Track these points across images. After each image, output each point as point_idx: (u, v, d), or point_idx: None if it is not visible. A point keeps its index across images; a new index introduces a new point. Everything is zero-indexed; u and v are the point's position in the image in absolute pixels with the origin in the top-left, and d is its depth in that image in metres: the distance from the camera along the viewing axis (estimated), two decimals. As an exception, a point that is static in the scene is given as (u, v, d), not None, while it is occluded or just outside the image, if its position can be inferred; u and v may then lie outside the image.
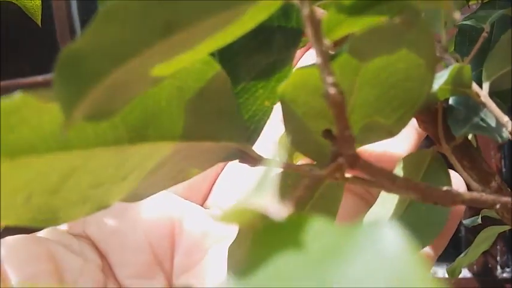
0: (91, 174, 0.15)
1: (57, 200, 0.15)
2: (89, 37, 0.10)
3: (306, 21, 0.13)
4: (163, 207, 0.27)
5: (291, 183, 0.20)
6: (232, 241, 0.21)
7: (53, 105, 0.11)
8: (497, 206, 0.20)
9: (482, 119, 0.21)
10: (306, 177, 0.14)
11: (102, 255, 0.26)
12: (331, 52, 0.14)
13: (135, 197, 0.18)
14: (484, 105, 0.20)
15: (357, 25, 0.14)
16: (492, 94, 0.23)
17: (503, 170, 0.98)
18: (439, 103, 0.21)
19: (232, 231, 0.27)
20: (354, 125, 0.18)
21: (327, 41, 0.14)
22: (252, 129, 0.20)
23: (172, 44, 0.12)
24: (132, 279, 0.25)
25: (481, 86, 0.21)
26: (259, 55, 0.18)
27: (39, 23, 0.34)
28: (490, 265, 1.00)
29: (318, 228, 0.09)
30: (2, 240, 0.24)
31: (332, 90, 0.14)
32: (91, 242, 0.26)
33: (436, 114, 0.21)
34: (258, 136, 0.20)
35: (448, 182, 0.22)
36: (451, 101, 0.21)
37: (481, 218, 0.50)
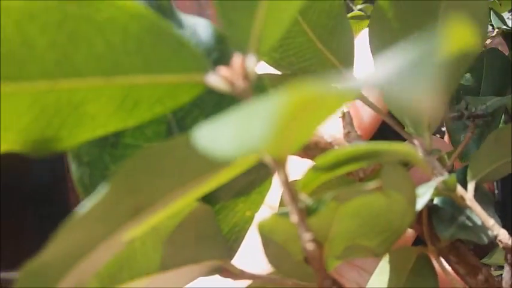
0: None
1: None
2: (50, 250, 0.10)
3: (281, 185, 0.12)
4: None
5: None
6: None
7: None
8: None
9: (469, 217, 0.21)
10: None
11: None
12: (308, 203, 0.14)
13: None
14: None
15: (333, 175, 0.13)
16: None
17: (496, 191, 0.98)
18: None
19: None
20: (336, 247, 0.17)
21: (303, 196, 0.13)
22: (233, 240, 0.20)
23: (141, 219, 0.12)
24: None
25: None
26: (238, 177, 0.18)
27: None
28: None
29: None
30: None
31: (310, 247, 0.13)
32: None
33: (422, 214, 0.21)
34: (239, 245, 0.20)
35: (435, 280, 0.21)
36: (436, 201, 0.21)
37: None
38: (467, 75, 0.35)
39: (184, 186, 0.12)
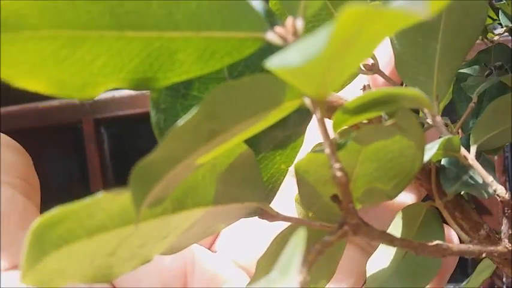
0: (140, 237, 0.18)
1: (113, 260, 0.18)
2: (158, 151, 0.14)
3: (317, 123, 0.16)
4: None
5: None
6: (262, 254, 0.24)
7: (122, 196, 0.15)
8: (484, 255, 0.23)
9: (471, 177, 0.24)
10: (317, 243, 0.17)
11: None
12: (339, 141, 0.18)
13: (172, 250, 0.21)
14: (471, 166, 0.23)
15: (359, 119, 0.17)
16: (482, 152, 0.26)
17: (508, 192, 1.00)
18: (432, 164, 0.24)
19: (237, 273, 0.30)
20: (358, 190, 0.21)
21: (334, 134, 0.17)
22: (270, 189, 0.23)
23: (213, 144, 0.16)
24: None
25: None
26: (278, 130, 0.21)
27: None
28: (496, 286, 1.02)
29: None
30: None
31: (339, 174, 0.17)
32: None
33: (430, 173, 0.24)
34: (275, 194, 0.23)
35: (441, 232, 0.25)
36: (443, 162, 0.25)
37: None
38: (476, 67, 0.38)
39: (247, 120, 0.16)
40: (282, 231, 0.24)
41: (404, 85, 0.24)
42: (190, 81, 0.18)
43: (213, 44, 0.15)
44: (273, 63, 0.12)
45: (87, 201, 0.14)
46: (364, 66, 0.26)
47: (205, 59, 0.15)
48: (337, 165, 0.17)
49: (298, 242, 0.12)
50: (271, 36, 0.15)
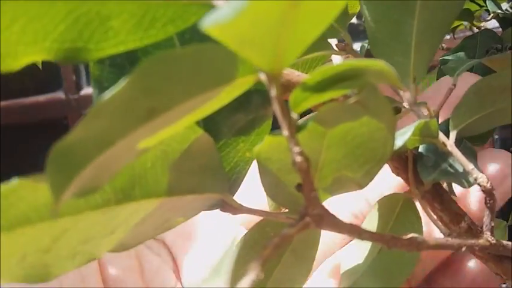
0: (80, 233, 0.16)
1: (49, 258, 0.16)
2: (78, 131, 0.12)
3: (273, 101, 0.14)
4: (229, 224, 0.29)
5: (270, 230, 0.22)
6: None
7: (45, 184, 0.13)
8: (463, 249, 0.21)
9: (451, 165, 0.23)
10: (275, 236, 0.15)
11: (174, 259, 0.29)
12: (299, 123, 0.16)
13: (123, 246, 0.19)
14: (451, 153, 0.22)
15: (322, 98, 0.15)
16: (464, 139, 0.24)
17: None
18: (409, 151, 0.23)
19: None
20: (325, 179, 0.19)
21: (294, 114, 0.15)
22: (234, 179, 0.22)
23: (156, 125, 0.14)
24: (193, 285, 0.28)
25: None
26: (239, 114, 0.20)
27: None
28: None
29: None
30: None
31: (298, 159, 0.15)
32: (167, 246, 0.29)
33: (407, 160, 0.23)
34: (239, 185, 0.22)
35: (419, 224, 0.23)
36: (420, 149, 0.23)
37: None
38: (461, 53, 0.37)
39: (193, 98, 0.14)
40: (250, 229, 0.22)
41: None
42: (135, 55, 0.16)
43: (151, 10, 0.13)
44: (205, 23, 0.10)
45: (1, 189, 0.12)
46: (336, 46, 0.24)
47: (145, 28, 0.13)
48: (296, 149, 0.15)
49: (235, 238, 0.11)
50: (220, 3, 0.13)
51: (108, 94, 0.12)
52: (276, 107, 0.14)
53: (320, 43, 0.26)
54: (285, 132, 0.15)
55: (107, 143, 0.13)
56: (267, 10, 0.10)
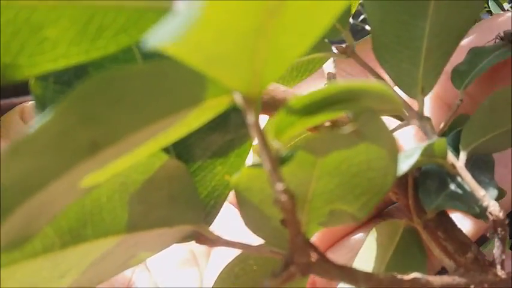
0: (21, 282, 0.13)
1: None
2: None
3: (251, 129, 0.12)
4: None
5: (253, 263, 0.19)
6: None
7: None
8: (472, 287, 0.19)
9: (459, 185, 0.20)
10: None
11: None
12: (282, 154, 0.13)
13: (81, 286, 0.17)
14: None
15: (310, 123, 0.13)
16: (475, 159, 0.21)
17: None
18: (410, 174, 0.20)
19: None
20: (316, 211, 0.16)
21: (277, 144, 0.13)
22: (212, 205, 0.19)
23: (102, 159, 0.11)
24: None
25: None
26: (215, 135, 0.17)
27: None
28: None
29: None
30: None
31: (283, 198, 0.12)
32: None
33: (407, 184, 0.20)
34: (218, 212, 0.19)
35: (422, 256, 0.21)
36: (424, 169, 0.20)
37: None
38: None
39: (149, 126, 0.11)
40: (230, 262, 0.20)
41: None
42: (86, 71, 0.13)
43: (97, 16, 0.10)
44: (151, 39, 0.07)
45: None
46: (336, 48, 0.21)
47: (90, 38, 0.11)
48: (280, 186, 0.12)
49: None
50: (182, 6, 0.10)
51: (34, 127, 0.09)
52: (254, 136, 0.12)
53: (317, 43, 0.23)
54: (267, 165, 0.12)
55: (38, 186, 0.10)
56: (236, 19, 0.08)
